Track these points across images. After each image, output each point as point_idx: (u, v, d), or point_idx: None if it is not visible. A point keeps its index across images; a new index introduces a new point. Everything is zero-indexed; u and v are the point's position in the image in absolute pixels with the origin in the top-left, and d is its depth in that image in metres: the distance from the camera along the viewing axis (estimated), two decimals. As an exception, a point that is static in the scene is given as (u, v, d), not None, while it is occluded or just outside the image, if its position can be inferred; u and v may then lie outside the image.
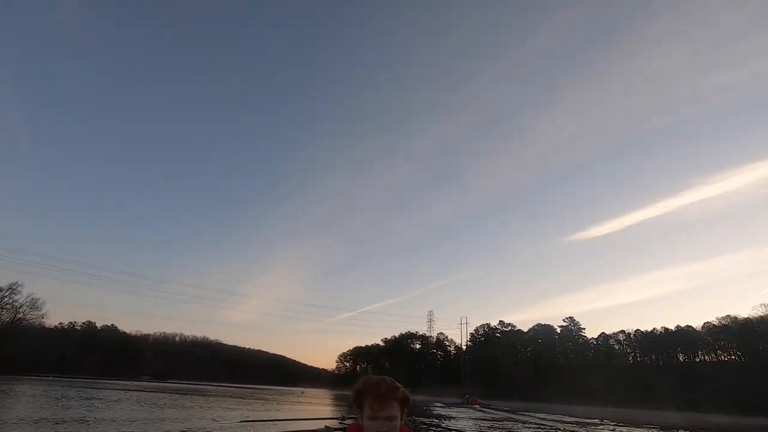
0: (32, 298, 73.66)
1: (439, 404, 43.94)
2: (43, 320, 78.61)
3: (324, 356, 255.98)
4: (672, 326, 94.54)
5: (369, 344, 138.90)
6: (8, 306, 70.98)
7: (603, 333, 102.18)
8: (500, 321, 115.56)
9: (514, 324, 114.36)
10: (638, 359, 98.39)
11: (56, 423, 10.35)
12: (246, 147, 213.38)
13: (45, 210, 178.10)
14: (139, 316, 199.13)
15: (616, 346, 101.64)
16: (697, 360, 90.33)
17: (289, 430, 9.30)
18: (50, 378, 58.23)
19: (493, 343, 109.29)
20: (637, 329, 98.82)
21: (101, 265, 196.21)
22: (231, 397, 32.37)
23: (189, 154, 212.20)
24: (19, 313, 72.19)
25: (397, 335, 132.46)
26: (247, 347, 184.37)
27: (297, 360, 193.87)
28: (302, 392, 56.35)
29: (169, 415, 14.04)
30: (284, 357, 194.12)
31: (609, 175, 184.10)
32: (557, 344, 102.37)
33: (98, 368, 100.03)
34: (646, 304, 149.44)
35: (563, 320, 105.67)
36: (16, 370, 63.31)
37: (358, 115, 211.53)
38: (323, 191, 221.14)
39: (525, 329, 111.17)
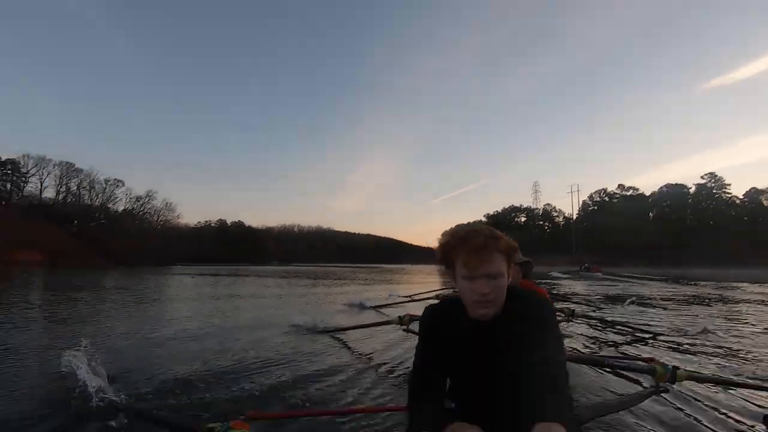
0: (167, 202, 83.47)
1: (556, 273, 40.28)
2: (179, 220, 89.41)
3: (432, 235, 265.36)
4: None
5: (471, 221, 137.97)
6: (149, 210, 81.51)
7: (754, 188, 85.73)
8: (619, 185, 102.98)
9: (637, 187, 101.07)
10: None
11: (214, 298, 11.43)
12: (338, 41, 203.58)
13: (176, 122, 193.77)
14: (263, 212, 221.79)
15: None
16: None
17: (403, 300, 9.47)
18: (196, 266, 66.42)
19: (610, 209, 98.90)
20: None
21: (228, 169, 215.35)
22: (342, 274, 33.28)
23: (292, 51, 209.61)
24: (159, 215, 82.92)
25: (500, 210, 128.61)
26: (356, 232, 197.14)
27: (403, 240, 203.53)
28: (403, 269, 56.85)
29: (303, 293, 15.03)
30: (391, 238, 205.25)
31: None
32: (691, 205, 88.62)
33: (232, 257, 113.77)
34: None
35: (701, 177, 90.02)
36: (168, 262, 73.43)
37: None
38: (417, 68, 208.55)
39: (650, 193, 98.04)
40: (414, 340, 4.16)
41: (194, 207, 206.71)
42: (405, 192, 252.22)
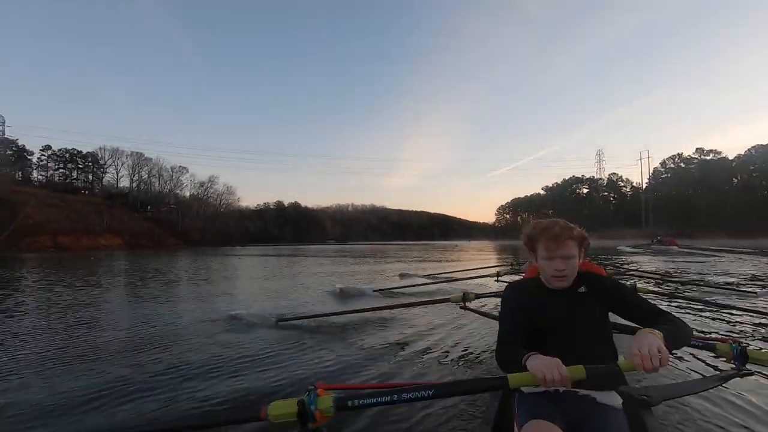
0: (227, 186, 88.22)
1: (623, 247, 37.74)
2: (240, 203, 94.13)
3: (486, 210, 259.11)
4: None
5: (528, 195, 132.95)
6: (212, 194, 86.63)
7: None
8: (697, 148, 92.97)
9: (719, 150, 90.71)
10: None
11: (284, 277, 12.53)
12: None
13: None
14: (319, 192, 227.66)
15: None
16: None
17: (462, 277, 9.47)
18: (258, 246, 69.90)
19: (688, 175, 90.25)
20: None
21: (284, 152, 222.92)
22: (398, 252, 33.88)
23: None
24: (221, 198, 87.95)
25: (560, 182, 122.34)
26: (410, 209, 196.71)
27: (458, 216, 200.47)
28: (456, 246, 56.08)
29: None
30: (445, 215, 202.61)
31: None
32: None
33: (292, 237, 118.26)
34: None
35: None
36: (232, 242, 77.91)
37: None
38: (467, 34, 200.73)
39: (732, 156, 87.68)
40: (473, 318, 4.62)
41: (254, 190, 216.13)
42: (459, 167, 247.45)
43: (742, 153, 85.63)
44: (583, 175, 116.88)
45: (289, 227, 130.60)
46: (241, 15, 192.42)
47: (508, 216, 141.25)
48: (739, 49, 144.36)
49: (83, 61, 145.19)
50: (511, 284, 1.90)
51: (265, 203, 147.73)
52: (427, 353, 3.77)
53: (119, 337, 4.68)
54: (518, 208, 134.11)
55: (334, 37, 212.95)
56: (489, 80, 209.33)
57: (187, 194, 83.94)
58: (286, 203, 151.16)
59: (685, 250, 27.64)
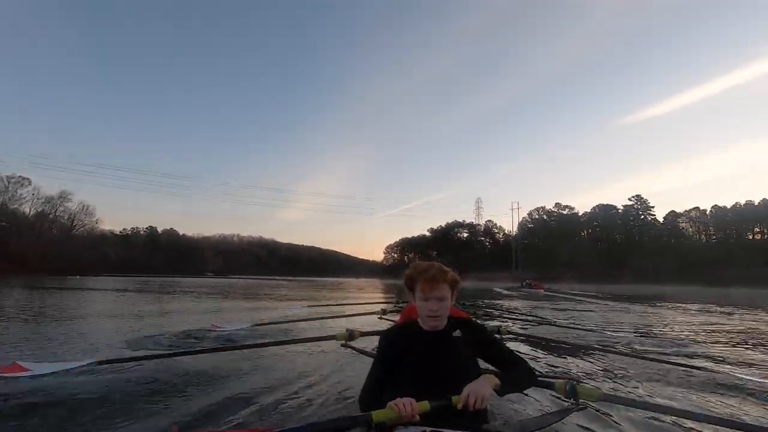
0: (84, 205, 75.79)
1: (497, 288, 40.42)
2: (102, 226, 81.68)
3: (375, 249, 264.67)
4: (756, 200, 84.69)
5: (416, 235, 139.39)
6: (61, 213, 73.50)
7: (673, 211, 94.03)
8: (556, 203, 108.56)
9: (572, 206, 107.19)
10: (713, 238, 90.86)
11: (138, 317, 10.03)
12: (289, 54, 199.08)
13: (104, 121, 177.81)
14: (201, 220, 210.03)
15: (689, 225, 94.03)
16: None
17: (347, 314, 9.26)
18: (120, 276, 60.40)
19: (548, 226, 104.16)
20: (715, 205, 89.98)
21: (160, 173, 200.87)
22: (285, 288, 31.72)
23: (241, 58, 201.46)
24: (74, 218, 75.01)
25: (443, 225, 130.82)
26: (300, 244, 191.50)
27: (348, 254, 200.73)
28: (342, 283, 55.31)
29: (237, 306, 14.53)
30: (336, 252, 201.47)
31: (669, 46, 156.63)
32: (621, 225, 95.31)
33: (164, 268, 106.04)
34: (722, 181, 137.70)
35: (629, 199, 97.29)
36: (85, 270, 66.14)
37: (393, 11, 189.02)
38: (365, 90, 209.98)
39: (583, 212, 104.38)
40: (354, 357, 4.32)
41: (124, 213, 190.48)
42: (353, 206, 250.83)
43: (589, 210, 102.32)
44: (464, 220, 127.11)
45: (161, 257, 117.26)
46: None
47: (395, 255, 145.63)
48: (588, 132, 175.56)
49: None
50: (388, 331, 2.08)
51: (134, 228, 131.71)
52: (302, 394, 3.51)
53: None
54: (405, 248, 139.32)
55: (236, 61, 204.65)
56: (385, 128, 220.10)
57: (29, 211, 69.89)
58: (160, 229, 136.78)
59: (552, 294, 30.35)
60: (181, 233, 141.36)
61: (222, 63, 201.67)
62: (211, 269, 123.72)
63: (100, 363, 3.39)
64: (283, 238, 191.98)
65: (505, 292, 35.10)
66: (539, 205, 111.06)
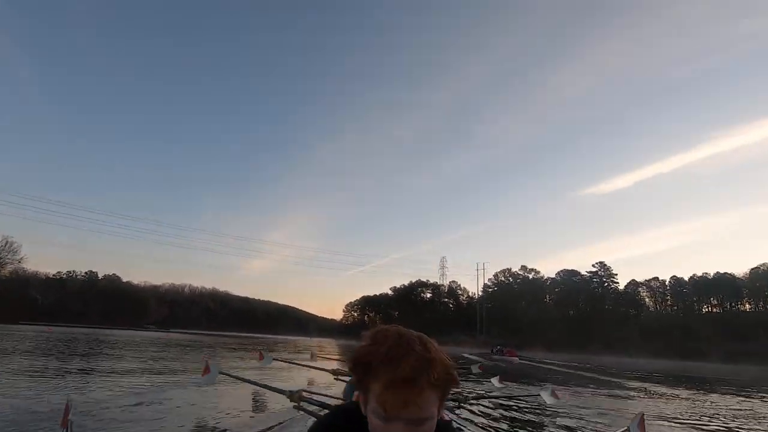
0: (7, 240, 67.86)
1: (468, 355, 36.77)
2: (21, 264, 73.35)
3: (336, 307, 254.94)
4: (711, 272, 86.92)
5: (378, 294, 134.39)
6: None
7: (633, 280, 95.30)
8: (522, 266, 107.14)
9: (538, 270, 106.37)
10: (674, 307, 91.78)
11: (58, 374, 8.99)
12: (259, 102, 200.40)
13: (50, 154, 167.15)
14: (150, 267, 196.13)
15: (647, 295, 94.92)
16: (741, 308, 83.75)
17: (300, 367, 9.08)
18: (46, 325, 52.47)
19: (514, 289, 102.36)
20: (673, 275, 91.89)
21: (107, 213, 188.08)
22: (228, 347, 27.51)
23: (206, 107, 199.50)
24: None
25: (406, 284, 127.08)
26: (257, 298, 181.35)
27: (307, 311, 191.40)
28: (286, 342, 50.15)
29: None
30: (294, 308, 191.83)
31: (630, 124, 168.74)
32: (585, 291, 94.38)
33: (100, 317, 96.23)
34: (681, 251, 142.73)
35: (593, 265, 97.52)
36: (6, 318, 57.42)
37: (367, 69, 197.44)
38: (334, 147, 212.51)
39: (550, 275, 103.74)
40: (302, 417, 4.51)
41: (61, 253, 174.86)
42: (313, 263, 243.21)
43: (553, 275, 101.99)
44: (428, 280, 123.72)
45: (99, 305, 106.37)
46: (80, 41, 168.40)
47: (355, 314, 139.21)
48: (553, 197, 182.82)
49: None
50: (321, 424, 1.09)
51: (69, 271, 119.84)
52: None
53: None
54: (366, 306, 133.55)
55: (197, 91, 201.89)
56: (353, 185, 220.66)
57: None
58: (101, 274, 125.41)
59: (529, 363, 27.01)
60: (125, 280, 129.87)
61: (179, 101, 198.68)
62: (153, 321, 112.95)
63: None
64: (240, 290, 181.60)
65: (475, 359, 31.83)
66: (505, 267, 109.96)
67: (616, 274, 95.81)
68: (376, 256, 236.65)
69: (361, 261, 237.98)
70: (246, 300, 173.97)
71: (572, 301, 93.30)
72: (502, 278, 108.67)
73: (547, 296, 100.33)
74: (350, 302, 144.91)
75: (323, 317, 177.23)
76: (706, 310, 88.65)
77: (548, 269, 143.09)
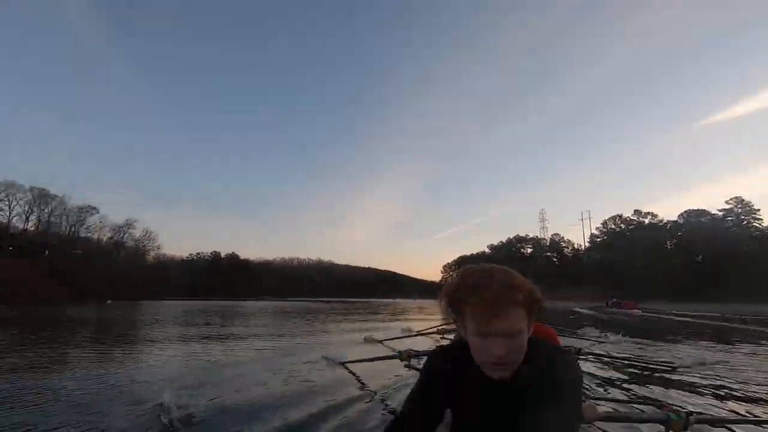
0: (147, 231, 78.48)
1: (579, 309, 34.18)
2: (166, 251, 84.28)
3: (435, 268, 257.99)
4: None
5: (474, 252, 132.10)
6: (127, 240, 76.44)
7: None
8: (635, 210, 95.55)
9: (655, 213, 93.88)
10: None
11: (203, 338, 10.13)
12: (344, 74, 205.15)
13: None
14: (262, 244, 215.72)
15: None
16: None
17: (406, 335, 9.09)
18: (182, 300, 60.69)
19: (626, 237, 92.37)
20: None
21: (226, 200, 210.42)
22: (337, 312, 28.97)
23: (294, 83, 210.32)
24: (139, 244, 77.75)
25: (504, 240, 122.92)
26: (359, 265, 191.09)
27: (406, 274, 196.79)
28: (396, 304, 51.09)
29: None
30: (393, 272, 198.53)
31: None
32: (716, 232, 79.97)
33: (225, 291, 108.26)
34: None
35: (726, 202, 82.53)
36: (150, 295, 67.48)
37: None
38: (421, 107, 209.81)
39: (670, 218, 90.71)
40: (414, 377, 4.25)
41: (188, 239, 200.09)
42: (409, 225, 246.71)
43: (675, 219, 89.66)
44: (527, 235, 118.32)
45: (223, 280, 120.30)
46: (181, 51, 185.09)
47: (453, 274, 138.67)
48: (672, 129, 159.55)
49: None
50: (438, 353, 1.28)
51: (198, 253, 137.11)
52: (368, 414, 3.57)
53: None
54: (462, 266, 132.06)
55: (287, 86, 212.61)
56: (440, 145, 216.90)
57: (96, 238, 73.10)
58: (223, 254, 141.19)
59: (649, 315, 23.81)
60: (242, 257, 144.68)
61: (268, 83, 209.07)
62: (268, 292, 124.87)
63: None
64: (342, 260, 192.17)
65: (589, 312, 29.32)
66: (614, 214, 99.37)
67: (759, 210, 79.49)
68: (471, 215, 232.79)
69: (456, 221, 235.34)
70: (348, 268, 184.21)
71: (699, 245, 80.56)
72: (612, 226, 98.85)
73: (668, 242, 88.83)
74: (447, 263, 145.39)
75: (422, 279, 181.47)
76: None
77: (667, 212, 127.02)
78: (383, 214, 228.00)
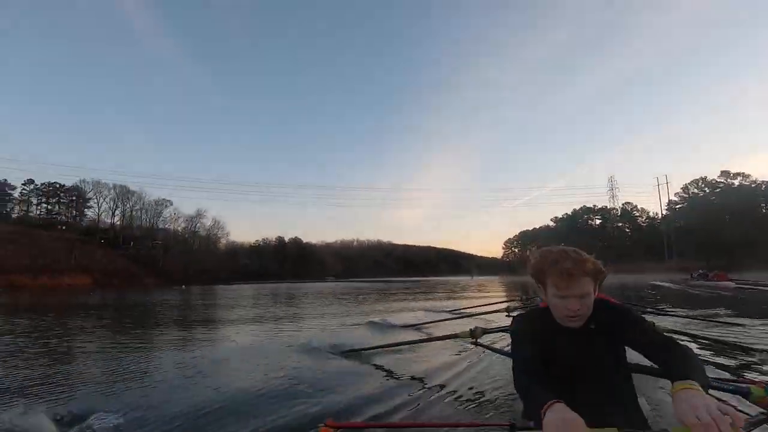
0: (216, 220, 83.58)
1: (659, 282, 31.44)
2: (235, 237, 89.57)
3: (494, 245, 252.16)
4: None
5: (538, 227, 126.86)
6: (199, 228, 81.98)
7: None
8: (723, 171, 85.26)
9: (747, 173, 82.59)
10: None
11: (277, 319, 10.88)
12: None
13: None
14: (323, 228, 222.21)
15: None
16: None
17: (471, 313, 9.20)
18: (252, 283, 64.25)
19: (711, 201, 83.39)
20: None
21: (288, 186, 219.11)
22: (402, 290, 29.34)
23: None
24: (210, 233, 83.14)
25: (570, 212, 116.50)
26: (416, 244, 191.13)
27: (465, 251, 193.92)
28: (458, 283, 50.06)
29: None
30: (452, 250, 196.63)
31: None
32: None
33: (291, 274, 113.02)
34: None
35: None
36: (223, 279, 72.12)
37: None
38: (474, 79, 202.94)
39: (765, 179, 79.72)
40: (484, 354, 4.84)
41: (253, 225, 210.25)
42: (467, 201, 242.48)
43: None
44: (594, 205, 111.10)
45: (288, 264, 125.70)
46: (242, 40, 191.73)
47: (516, 250, 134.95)
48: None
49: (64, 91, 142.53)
50: (519, 316, 1.77)
51: (264, 239, 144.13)
52: (435, 391, 3.62)
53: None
54: (526, 241, 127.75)
55: (341, 70, 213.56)
56: (497, 117, 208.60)
57: (172, 229, 79.07)
58: (286, 239, 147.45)
59: (749, 288, 20.88)
60: (305, 241, 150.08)
61: (329, 73, 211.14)
62: (331, 274, 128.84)
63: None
64: (400, 239, 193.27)
65: (669, 285, 26.81)
66: (696, 177, 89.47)
67: None
68: (531, 188, 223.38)
69: (517, 194, 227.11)
70: (407, 248, 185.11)
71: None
72: (695, 190, 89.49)
73: (763, 205, 79.02)
74: (509, 239, 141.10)
75: (482, 256, 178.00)
76: None
77: (762, 172, 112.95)
78: (443, 190, 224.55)
